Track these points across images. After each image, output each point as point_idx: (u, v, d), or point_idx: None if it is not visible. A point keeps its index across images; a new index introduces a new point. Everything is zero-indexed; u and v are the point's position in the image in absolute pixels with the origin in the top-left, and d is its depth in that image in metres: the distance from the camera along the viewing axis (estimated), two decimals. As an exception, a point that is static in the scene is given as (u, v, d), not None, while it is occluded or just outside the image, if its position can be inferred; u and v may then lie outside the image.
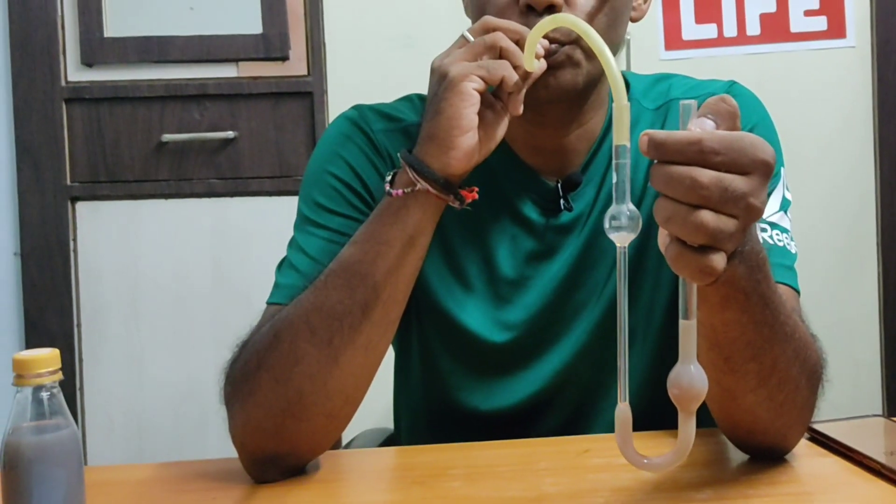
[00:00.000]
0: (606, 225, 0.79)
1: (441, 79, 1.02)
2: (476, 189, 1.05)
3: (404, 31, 2.41)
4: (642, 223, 0.79)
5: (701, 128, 0.77)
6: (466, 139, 1.01)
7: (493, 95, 1.05)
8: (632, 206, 0.78)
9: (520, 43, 1.01)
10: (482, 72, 1.00)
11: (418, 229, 1.04)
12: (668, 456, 0.81)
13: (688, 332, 0.79)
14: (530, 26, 0.99)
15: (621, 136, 0.78)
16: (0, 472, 0.88)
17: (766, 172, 0.78)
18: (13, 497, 0.87)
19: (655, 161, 0.77)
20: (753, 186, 0.77)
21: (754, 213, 0.78)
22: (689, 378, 0.78)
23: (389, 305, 1.05)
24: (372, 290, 1.03)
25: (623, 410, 0.82)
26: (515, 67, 1.01)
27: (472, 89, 1.00)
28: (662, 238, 0.80)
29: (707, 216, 0.76)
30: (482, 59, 1.02)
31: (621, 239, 0.79)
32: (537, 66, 1.03)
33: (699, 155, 0.76)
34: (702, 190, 0.75)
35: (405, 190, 1.03)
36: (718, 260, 0.77)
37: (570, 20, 0.87)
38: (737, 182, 0.76)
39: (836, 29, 2.45)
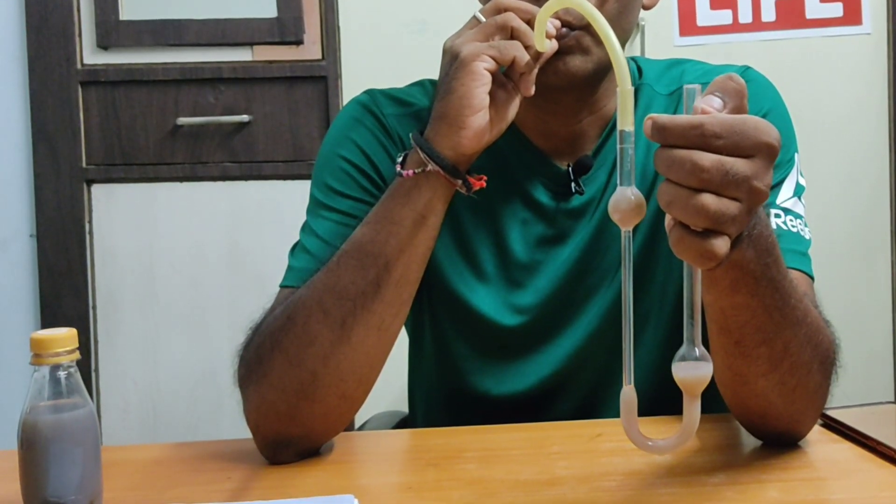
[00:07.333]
0: (610, 209, 0.79)
1: (453, 59, 1.02)
2: (485, 178, 1.05)
3: (419, 15, 2.41)
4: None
5: (708, 104, 0.77)
6: (477, 119, 1.01)
7: (505, 76, 1.05)
8: (635, 191, 0.78)
9: (531, 23, 1.02)
10: (493, 52, 1.01)
11: (429, 209, 1.05)
12: (672, 438, 0.81)
13: (693, 315, 0.79)
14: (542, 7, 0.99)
15: (625, 121, 0.79)
16: (18, 451, 0.89)
17: (769, 155, 0.78)
18: (31, 475, 0.88)
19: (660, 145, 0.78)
20: (756, 169, 0.77)
21: (758, 196, 0.78)
22: (694, 361, 0.79)
23: (402, 285, 1.05)
24: (384, 269, 1.04)
25: (627, 393, 0.83)
26: (527, 48, 1.02)
27: (483, 69, 1.00)
28: (668, 222, 0.80)
29: (708, 199, 0.75)
30: (494, 39, 1.02)
31: (624, 222, 0.79)
32: (548, 46, 1.03)
33: (700, 138, 0.75)
34: (702, 173, 0.75)
35: (416, 170, 1.04)
36: (720, 244, 0.76)
37: (577, 2, 0.87)
38: (738, 165, 0.76)
39: (852, 15, 2.44)
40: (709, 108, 0.77)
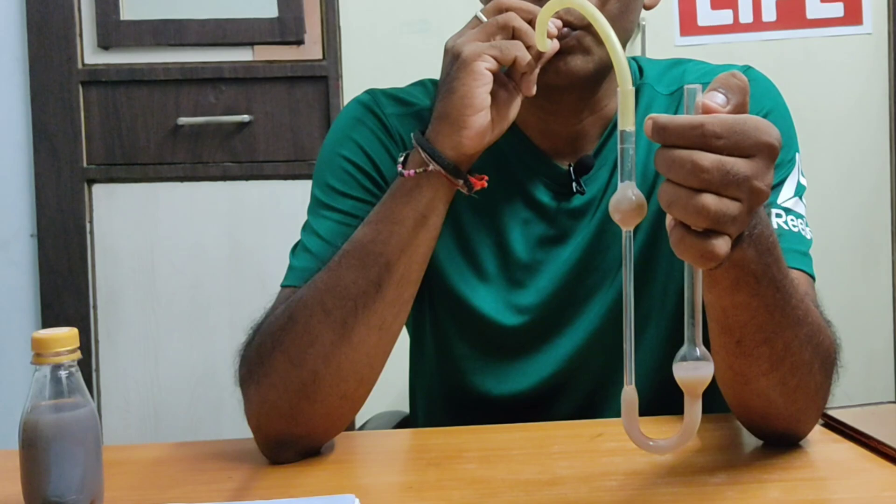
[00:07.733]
0: (611, 209, 0.79)
1: (454, 59, 1.02)
2: (486, 178, 1.05)
3: (419, 15, 2.41)
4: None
5: (712, 101, 0.77)
6: (479, 118, 1.01)
7: (506, 75, 1.05)
8: (636, 190, 0.78)
9: (532, 23, 1.01)
10: (495, 52, 1.01)
11: (430, 208, 1.05)
12: (673, 438, 0.81)
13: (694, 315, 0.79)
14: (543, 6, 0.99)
15: (626, 121, 0.78)
16: (19, 450, 0.89)
17: (770, 154, 0.78)
18: (32, 474, 0.88)
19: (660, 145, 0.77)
20: (757, 169, 0.77)
21: (759, 196, 0.78)
22: (694, 361, 0.79)
23: (403, 285, 1.05)
24: (385, 268, 1.04)
25: (629, 393, 0.82)
26: (528, 47, 1.02)
27: (484, 69, 1.01)
28: (669, 222, 0.80)
29: (709, 200, 0.75)
30: (495, 39, 1.02)
31: (625, 222, 0.79)
32: (549, 46, 1.03)
33: (701, 139, 0.75)
34: (703, 173, 0.75)
35: (417, 170, 1.04)
36: (721, 244, 0.76)
37: (578, 2, 0.87)
38: (739, 165, 0.76)
39: (853, 15, 2.44)
40: (711, 104, 0.77)
